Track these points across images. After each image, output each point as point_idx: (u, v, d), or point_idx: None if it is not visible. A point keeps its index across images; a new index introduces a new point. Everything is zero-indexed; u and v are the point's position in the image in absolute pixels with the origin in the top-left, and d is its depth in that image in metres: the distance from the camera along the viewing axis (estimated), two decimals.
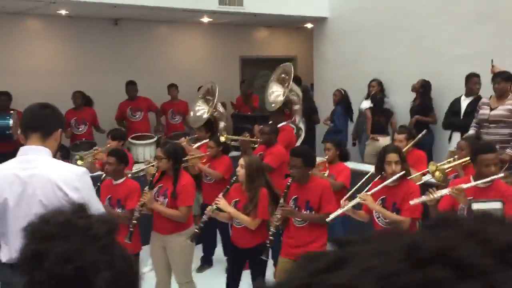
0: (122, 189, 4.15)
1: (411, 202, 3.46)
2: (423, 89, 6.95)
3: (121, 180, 4.18)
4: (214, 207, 3.89)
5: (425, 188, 3.80)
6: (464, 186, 3.38)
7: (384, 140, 6.74)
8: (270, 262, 4.29)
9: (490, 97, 5.55)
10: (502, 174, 3.38)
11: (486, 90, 5.81)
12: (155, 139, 6.92)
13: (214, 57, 9.57)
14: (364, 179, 4.06)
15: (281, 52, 10.33)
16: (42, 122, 2.57)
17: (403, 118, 7.42)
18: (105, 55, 8.38)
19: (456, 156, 4.51)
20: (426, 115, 6.88)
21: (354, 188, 3.87)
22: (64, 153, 5.27)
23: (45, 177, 2.47)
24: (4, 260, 2.56)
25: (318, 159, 5.05)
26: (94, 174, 4.93)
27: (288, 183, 3.84)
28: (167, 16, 8.20)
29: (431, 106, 6.96)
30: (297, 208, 3.87)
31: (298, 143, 6.18)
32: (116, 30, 8.50)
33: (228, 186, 3.99)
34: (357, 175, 4.82)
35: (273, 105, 6.27)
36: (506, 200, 3.16)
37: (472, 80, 6.11)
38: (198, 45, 9.52)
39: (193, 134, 6.32)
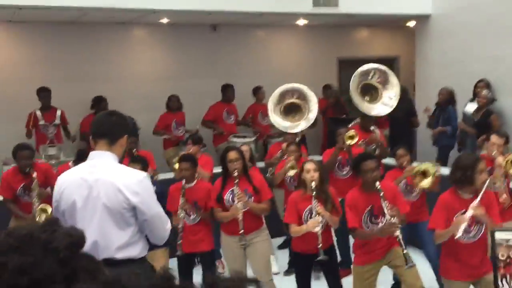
0: (197, 190, 4.33)
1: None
2: None
3: (194, 182, 4.36)
4: (319, 216, 3.80)
5: None
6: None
7: None
8: None
9: None
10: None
11: None
12: (253, 138, 7.28)
13: (311, 59, 9.47)
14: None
15: (382, 52, 9.94)
16: (108, 129, 2.71)
17: None
18: (203, 60, 8.65)
19: None
20: None
21: None
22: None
23: (108, 181, 2.61)
24: None
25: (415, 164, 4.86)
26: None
27: (378, 187, 3.70)
28: (263, 20, 8.27)
29: None
30: (374, 216, 3.78)
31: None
32: (214, 36, 8.74)
33: (314, 193, 3.86)
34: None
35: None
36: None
37: None
38: (295, 48, 9.48)
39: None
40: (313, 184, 3.86)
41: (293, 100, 6.13)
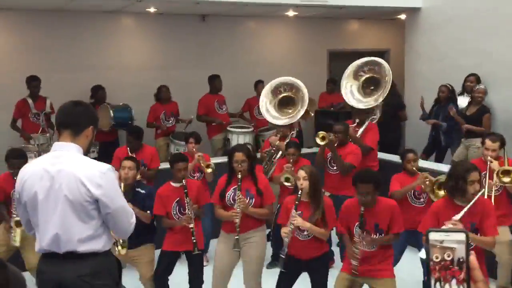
0: (189, 189, 4.24)
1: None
2: None
3: (184, 182, 4.28)
4: (291, 226, 3.74)
5: None
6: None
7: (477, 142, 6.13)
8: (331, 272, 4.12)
9: None
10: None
11: None
12: (251, 129, 7.39)
13: (301, 51, 9.40)
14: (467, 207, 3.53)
15: (373, 45, 9.88)
16: (73, 120, 2.64)
17: (504, 117, 6.75)
18: (192, 50, 8.56)
19: None
20: None
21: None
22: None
23: (70, 173, 2.54)
24: (36, 249, 2.69)
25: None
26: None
27: (362, 211, 3.69)
28: (252, 10, 8.18)
29: None
30: (364, 232, 3.72)
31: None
32: (203, 26, 8.64)
33: (296, 202, 3.80)
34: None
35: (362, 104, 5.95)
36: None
37: None
38: (285, 39, 9.40)
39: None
40: (299, 192, 3.81)
41: (288, 93, 6.12)
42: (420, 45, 8.25)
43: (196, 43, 8.59)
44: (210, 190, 4.80)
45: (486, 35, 7.16)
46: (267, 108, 6.07)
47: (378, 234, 3.73)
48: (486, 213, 3.39)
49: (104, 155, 5.95)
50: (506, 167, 4.32)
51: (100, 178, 2.56)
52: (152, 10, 7.80)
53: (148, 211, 4.27)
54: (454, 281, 1.09)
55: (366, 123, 5.78)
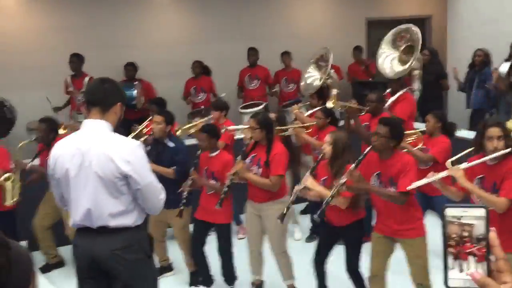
0: (216, 162, 4.28)
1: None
2: None
3: (216, 153, 4.31)
4: (302, 186, 3.73)
5: None
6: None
7: None
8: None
9: None
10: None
11: None
12: (262, 106, 6.99)
13: (337, 21, 9.15)
14: (463, 153, 3.53)
15: (414, 11, 9.51)
16: (101, 97, 2.67)
17: None
18: (226, 24, 8.46)
19: None
20: None
21: (450, 160, 3.39)
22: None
23: (100, 150, 2.59)
24: (70, 224, 2.77)
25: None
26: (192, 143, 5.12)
27: (366, 151, 3.51)
28: None
29: None
30: (381, 184, 3.56)
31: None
32: None
33: (314, 164, 3.80)
34: None
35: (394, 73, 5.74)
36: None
37: None
38: (321, 8, 9.15)
39: (305, 101, 6.20)
40: (321, 155, 3.82)
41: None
42: (463, 10, 7.89)
43: (231, 16, 8.48)
44: None
45: None
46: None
47: (393, 188, 3.52)
48: (509, 173, 3.17)
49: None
50: None
51: (129, 154, 2.59)
52: None
53: (174, 167, 4.31)
54: (472, 259, 1.03)
55: (400, 92, 5.55)
